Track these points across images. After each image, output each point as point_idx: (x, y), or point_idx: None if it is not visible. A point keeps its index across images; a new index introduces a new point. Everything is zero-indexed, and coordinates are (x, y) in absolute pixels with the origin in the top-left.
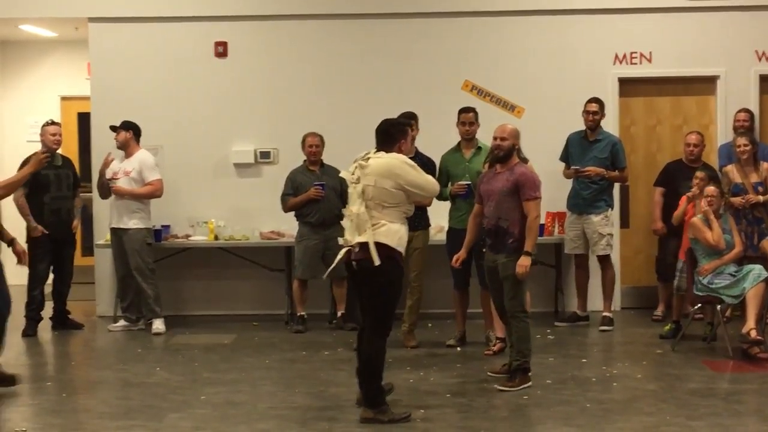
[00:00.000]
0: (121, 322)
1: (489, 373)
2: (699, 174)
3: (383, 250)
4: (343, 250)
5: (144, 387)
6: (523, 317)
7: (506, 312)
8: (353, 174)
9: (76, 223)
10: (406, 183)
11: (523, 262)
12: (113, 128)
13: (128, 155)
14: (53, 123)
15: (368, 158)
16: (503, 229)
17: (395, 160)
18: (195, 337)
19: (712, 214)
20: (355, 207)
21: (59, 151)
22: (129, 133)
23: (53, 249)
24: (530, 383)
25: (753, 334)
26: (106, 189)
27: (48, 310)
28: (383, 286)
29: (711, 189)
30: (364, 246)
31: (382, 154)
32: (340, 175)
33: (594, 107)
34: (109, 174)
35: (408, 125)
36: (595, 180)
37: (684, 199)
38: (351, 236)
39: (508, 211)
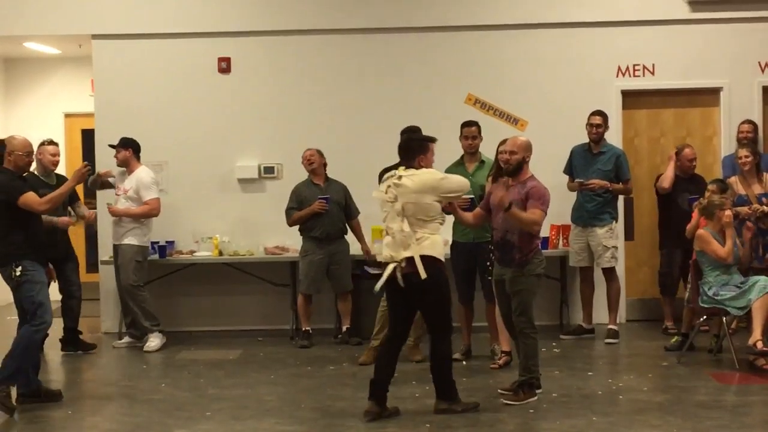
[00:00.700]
0: (126, 339)
1: (499, 391)
2: (711, 187)
3: (429, 261)
4: (391, 266)
5: (150, 403)
6: (530, 333)
7: (514, 326)
8: (387, 193)
9: (91, 213)
10: (445, 192)
11: (499, 193)
12: (112, 147)
13: (129, 172)
14: (51, 143)
15: (401, 177)
16: (510, 242)
17: (428, 174)
18: (200, 352)
19: (732, 227)
20: (396, 224)
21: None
22: (128, 151)
23: (53, 268)
24: (536, 398)
25: (759, 345)
26: (97, 184)
27: (58, 330)
28: (436, 294)
29: (729, 202)
30: (411, 260)
31: (412, 171)
32: (373, 195)
33: (597, 120)
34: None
35: (429, 140)
36: (599, 192)
37: (696, 212)
38: (395, 252)
39: (516, 225)
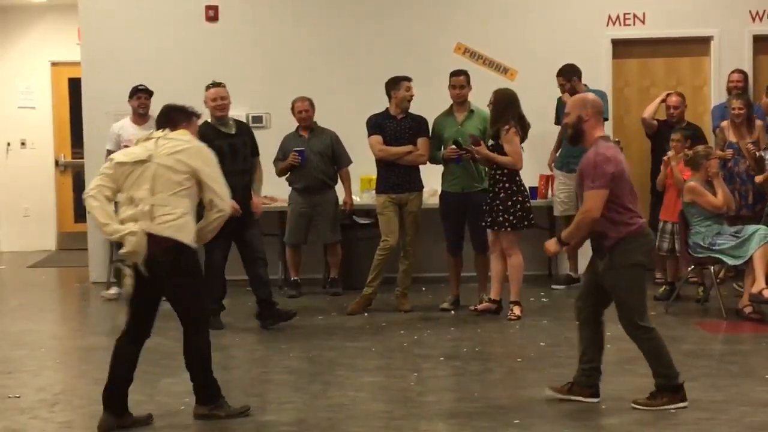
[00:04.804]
0: (115, 289)
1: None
2: (674, 136)
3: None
4: None
5: None
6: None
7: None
8: None
9: (257, 201)
10: None
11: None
12: (147, 91)
13: (146, 122)
14: (215, 85)
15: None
16: None
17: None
18: None
19: (719, 177)
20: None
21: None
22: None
23: (231, 234)
24: (685, 404)
25: (766, 293)
26: None
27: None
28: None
29: (720, 153)
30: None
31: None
32: None
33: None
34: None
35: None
36: None
37: (664, 163)
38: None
39: None
